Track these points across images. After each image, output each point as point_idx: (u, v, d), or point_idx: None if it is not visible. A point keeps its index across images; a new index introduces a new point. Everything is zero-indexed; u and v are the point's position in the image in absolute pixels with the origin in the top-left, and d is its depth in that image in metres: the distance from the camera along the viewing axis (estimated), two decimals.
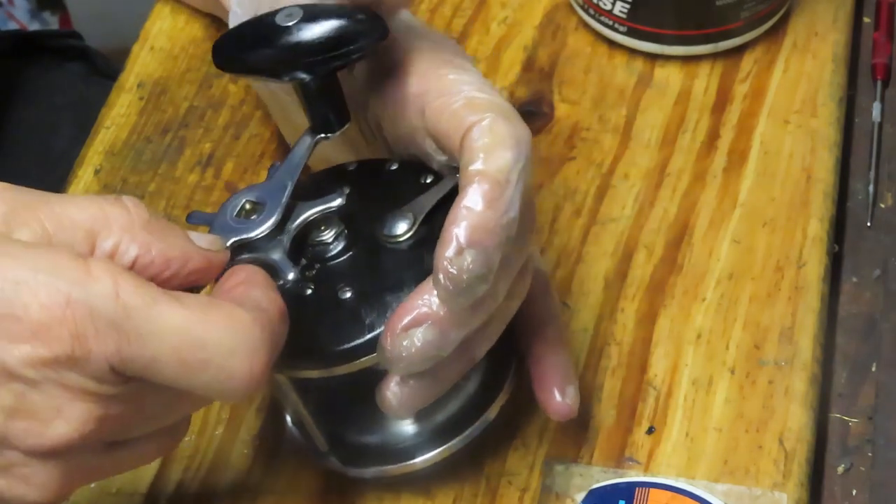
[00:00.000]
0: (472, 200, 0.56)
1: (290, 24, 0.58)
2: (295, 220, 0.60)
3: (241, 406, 0.70)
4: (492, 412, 0.64)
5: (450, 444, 0.64)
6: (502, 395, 0.65)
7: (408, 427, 0.64)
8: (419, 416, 0.64)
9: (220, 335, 0.52)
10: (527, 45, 0.84)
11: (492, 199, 0.56)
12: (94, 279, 0.50)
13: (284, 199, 0.60)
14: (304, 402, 0.63)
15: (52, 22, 1.22)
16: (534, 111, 0.81)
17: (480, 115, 0.58)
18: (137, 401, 0.53)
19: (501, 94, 0.61)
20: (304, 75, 0.59)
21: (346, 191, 0.62)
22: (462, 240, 0.55)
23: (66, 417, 0.51)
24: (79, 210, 0.53)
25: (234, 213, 0.60)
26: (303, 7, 0.59)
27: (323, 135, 0.61)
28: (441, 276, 0.56)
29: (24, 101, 1.05)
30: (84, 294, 0.50)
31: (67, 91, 1.07)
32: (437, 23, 0.85)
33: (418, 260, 0.59)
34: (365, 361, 0.59)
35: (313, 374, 0.60)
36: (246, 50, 0.61)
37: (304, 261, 0.60)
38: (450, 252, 0.55)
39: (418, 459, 0.64)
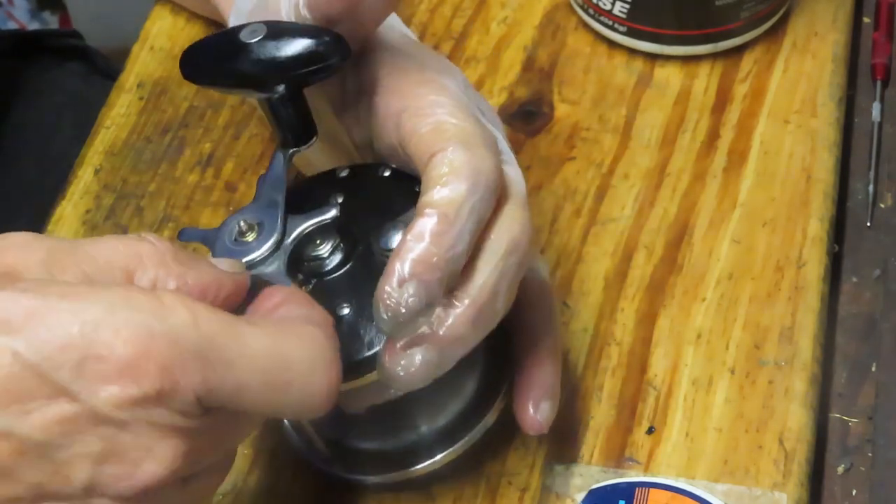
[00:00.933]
0: (418, 233, 0.56)
1: (253, 41, 0.58)
2: (290, 234, 0.60)
3: None
4: (493, 415, 0.64)
5: (452, 448, 0.64)
6: (503, 396, 0.65)
7: (410, 433, 0.64)
8: (421, 422, 0.64)
9: (301, 353, 0.51)
10: (527, 45, 0.84)
11: (438, 234, 0.55)
12: (170, 309, 0.49)
13: (280, 216, 0.59)
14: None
15: (52, 22, 1.21)
16: (534, 111, 0.81)
17: (444, 143, 0.57)
18: (216, 430, 0.52)
19: (484, 115, 0.61)
20: (263, 93, 0.59)
21: (339, 200, 0.62)
22: (404, 272, 0.55)
23: (156, 457, 0.49)
24: (111, 250, 0.52)
25: (232, 237, 0.59)
26: (267, 24, 0.59)
27: (294, 148, 0.61)
28: (381, 308, 0.56)
29: (23, 100, 1.05)
30: (165, 326, 0.48)
31: (67, 91, 1.07)
32: (437, 23, 0.85)
33: None
34: (366, 378, 0.59)
35: None
36: (210, 63, 0.61)
37: (300, 276, 0.60)
38: (390, 284, 0.55)
39: (420, 465, 0.64)
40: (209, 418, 0.50)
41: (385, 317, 0.56)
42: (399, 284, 0.55)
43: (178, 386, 0.48)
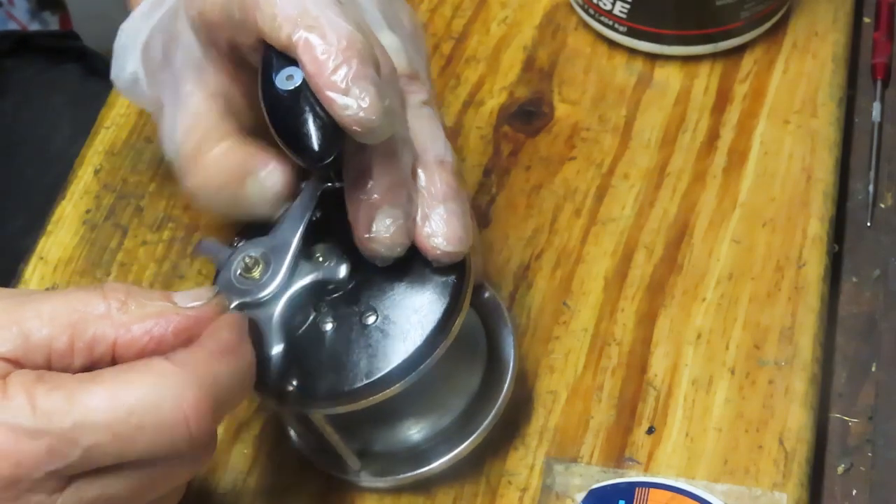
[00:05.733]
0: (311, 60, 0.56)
1: (291, 87, 0.57)
2: (296, 282, 0.60)
3: (242, 407, 0.69)
4: (505, 399, 0.65)
5: (470, 439, 0.64)
6: (510, 383, 0.65)
7: (430, 429, 0.65)
8: (434, 419, 0.65)
9: (141, 393, 0.52)
10: (527, 45, 0.84)
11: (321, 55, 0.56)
12: (8, 398, 0.52)
13: (289, 260, 0.60)
14: (335, 429, 0.63)
15: (52, 22, 1.21)
16: (534, 111, 0.81)
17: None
18: (105, 488, 0.53)
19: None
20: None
21: (318, 215, 0.61)
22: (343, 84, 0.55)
23: None
24: (57, 307, 0.55)
25: (238, 272, 0.60)
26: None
27: (329, 184, 0.61)
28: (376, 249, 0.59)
29: (21, 100, 1.05)
30: (2, 415, 0.51)
31: (65, 91, 1.07)
32: (438, 22, 0.85)
33: (424, 266, 0.60)
34: (412, 378, 0.59)
35: (363, 405, 0.60)
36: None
37: (313, 295, 0.61)
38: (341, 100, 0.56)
39: (435, 463, 0.64)
40: (85, 483, 0.53)
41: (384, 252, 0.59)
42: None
43: (19, 468, 0.51)
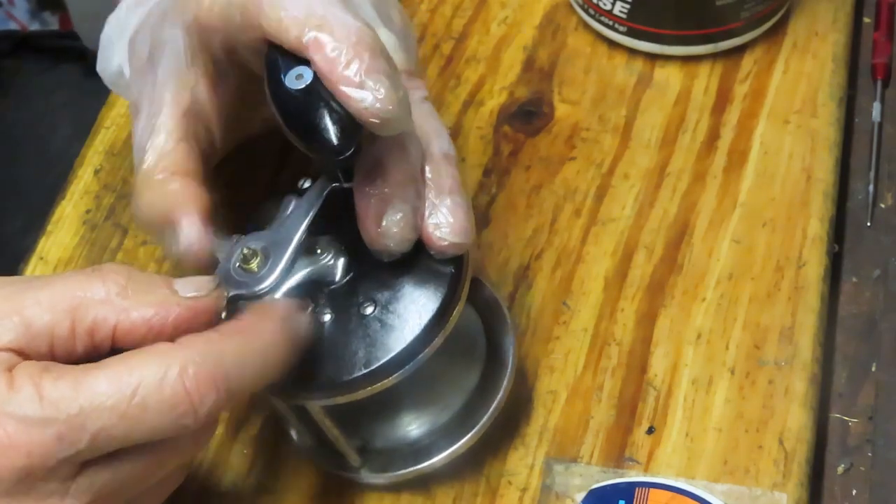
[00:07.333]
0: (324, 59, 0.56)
1: (301, 86, 0.57)
2: (294, 277, 0.60)
3: (241, 406, 0.70)
4: (505, 393, 0.65)
5: (469, 434, 0.64)
6: (509, 376, 0.65)
7: (429, 424, 0.65)
8: (433, 416, 0.65)
9: (143, 373, 0.53)
10: (527, 45, 0.84)
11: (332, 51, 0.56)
12: (16, 389, 0.52)
13: (288, 255, 0.60)
14: (334, 423, 0.63)
15: (52, 22, 1.22)
16: (534, 111, 0.81)
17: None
18: (106, 480, 0.54)
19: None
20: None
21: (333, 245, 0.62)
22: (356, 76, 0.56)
23: None
24: (56, 292, 0.55)
25: (237, 263, 0.60)
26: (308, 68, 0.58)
27: (337, 184, 0.61)
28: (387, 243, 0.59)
29: (21, 100, 1.06)
30: (10, 407, 0.51)
31: (65, 91, 1.07)
32: (438, 22, 0.85)
33: (422, 258, 0.60)
34: (410, 368, 0.59)
35: (361, 395, 0.60)
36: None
37: (311, 284, 0.61)
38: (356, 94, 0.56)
39: (435, 459, 0.64)
40: (96, 469, 0.53)
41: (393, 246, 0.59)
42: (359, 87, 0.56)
43: (32, 458, 0.51)
